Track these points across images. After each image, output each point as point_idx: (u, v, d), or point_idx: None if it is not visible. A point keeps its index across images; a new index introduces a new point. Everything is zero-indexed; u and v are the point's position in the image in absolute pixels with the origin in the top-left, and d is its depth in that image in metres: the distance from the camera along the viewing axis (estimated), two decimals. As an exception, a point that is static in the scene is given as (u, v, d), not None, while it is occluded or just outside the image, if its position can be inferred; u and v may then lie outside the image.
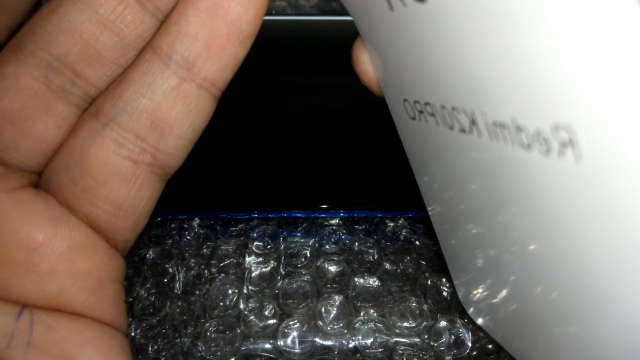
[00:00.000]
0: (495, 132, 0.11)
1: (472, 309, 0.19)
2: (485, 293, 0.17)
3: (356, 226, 0.23)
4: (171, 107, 0.12)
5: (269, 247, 0.23)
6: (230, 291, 0.22)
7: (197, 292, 0.22)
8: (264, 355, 0.21)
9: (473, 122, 0.11)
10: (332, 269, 0.22)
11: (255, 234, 0.23)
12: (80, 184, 0.12)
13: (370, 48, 0.14)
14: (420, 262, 0.23)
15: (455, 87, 0.11)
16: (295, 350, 0.21)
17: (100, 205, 0.12)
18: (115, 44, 0.12)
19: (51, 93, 0.12)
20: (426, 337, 0.21)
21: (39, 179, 0.13)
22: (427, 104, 0.13)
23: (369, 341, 0.21)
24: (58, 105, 0.12)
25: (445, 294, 0.22)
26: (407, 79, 0.13)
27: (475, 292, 0.17)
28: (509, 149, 0.11)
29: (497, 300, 0.16)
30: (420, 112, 0.13)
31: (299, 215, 0.23)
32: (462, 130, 0.12)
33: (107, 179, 0.12)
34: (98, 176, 0.12)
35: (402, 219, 0.23)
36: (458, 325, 0.21)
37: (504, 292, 0.15)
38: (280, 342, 0.21)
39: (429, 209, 0.17)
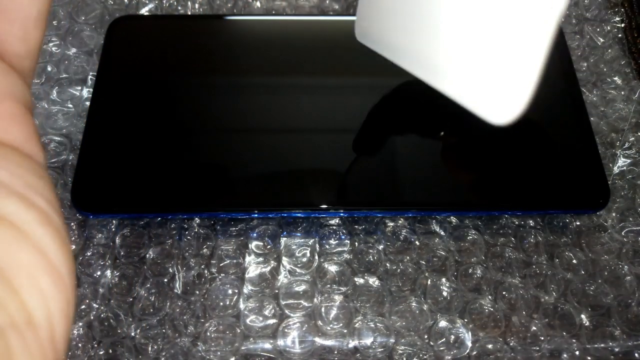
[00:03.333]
0: None
1: (362, 33, 0.22)
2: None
3: (356, 226, 0.23)
4: None
5: (269, 247, 0.23)
6: (230, 291, 0.22)
7: (197, 292, 0.22)
8: (264, 355, 0.21)
9: None
10: (332, 269, 0.22)
11: (255, 234, 0.23)
12: None
13: None
14: (420, 262, 0.23)
15: None
16: (295, 350, 0.21)
17: None
18: None
19: None
20: (426, 337, 0.21)
21: None
22: None
23: (369, 341, 0.21)
24: None
25: (445, 294, 0.22)
26: None
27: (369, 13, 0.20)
28: None
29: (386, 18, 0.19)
30: None
31: (299, 215, 0.23)
32: None
33: None
34: None
35: (402, 219, 0.23)
36: (458, 325, 0.21)
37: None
38: (280, 342, 0.21)
39: None
